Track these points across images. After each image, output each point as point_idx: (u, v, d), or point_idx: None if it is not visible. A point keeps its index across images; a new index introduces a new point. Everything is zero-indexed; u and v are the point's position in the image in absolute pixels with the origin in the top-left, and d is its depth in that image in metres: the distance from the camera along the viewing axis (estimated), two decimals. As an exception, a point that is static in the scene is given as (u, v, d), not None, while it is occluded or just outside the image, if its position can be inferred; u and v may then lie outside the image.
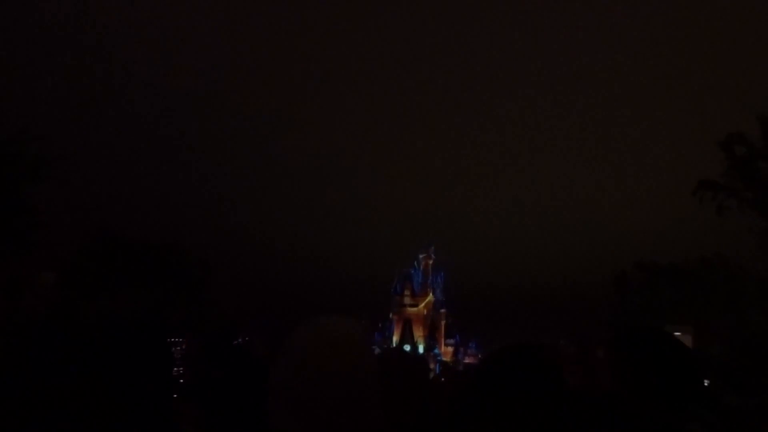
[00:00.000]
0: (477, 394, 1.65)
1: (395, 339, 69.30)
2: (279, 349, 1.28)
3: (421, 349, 58.30)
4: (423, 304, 69.13)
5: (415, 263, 71.33)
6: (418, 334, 68.10)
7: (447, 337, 67.32)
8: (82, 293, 21.47)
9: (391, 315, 70.63)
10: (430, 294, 69.69)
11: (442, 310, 67.95)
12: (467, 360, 56.64)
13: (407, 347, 65.76)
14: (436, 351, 63.23)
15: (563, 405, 1.54)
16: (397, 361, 1.84)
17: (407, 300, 69.88)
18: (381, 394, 1.26)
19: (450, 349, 64.58)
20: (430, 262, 70.51)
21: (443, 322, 66.93)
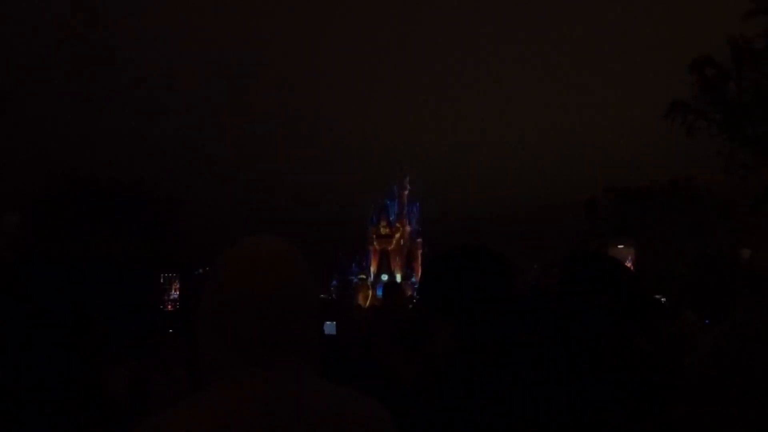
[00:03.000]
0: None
1: (373, 270, 70.47)
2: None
3: (398, 278, 59.36)
4: (399, 235, 69.94)
5: (391, 194, 71.57)
6: (395, 264, 69.26)
7: (423, 266, 68.47)
8: (49, 235, 21.17)
9: (368, 246, 71.48)
10: (407, 224, 70.41)
11: (419, 240, 68.82)
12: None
13: (385, 277, 66.98)
14: (414, 280, 64.57)
15: (511, 304, 1.59)
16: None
17: (383, 231, 70.59)
18: (317, 313, 1.21)
19: (427, 277, 66.02)
20: (405, 192, 70.78)
21: (420, 252, 67.99)
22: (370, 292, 61.63)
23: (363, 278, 66.37)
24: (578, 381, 1.47)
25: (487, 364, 1.50)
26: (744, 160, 13.64)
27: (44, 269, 1.53)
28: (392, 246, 70.07)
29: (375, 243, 70.87)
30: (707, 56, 13.83)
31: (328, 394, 1.13)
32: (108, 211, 24.89)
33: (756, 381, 1.36)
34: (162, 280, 30.22)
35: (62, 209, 24.01)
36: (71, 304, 1.48)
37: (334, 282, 67.83)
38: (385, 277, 66.43)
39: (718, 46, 13.51)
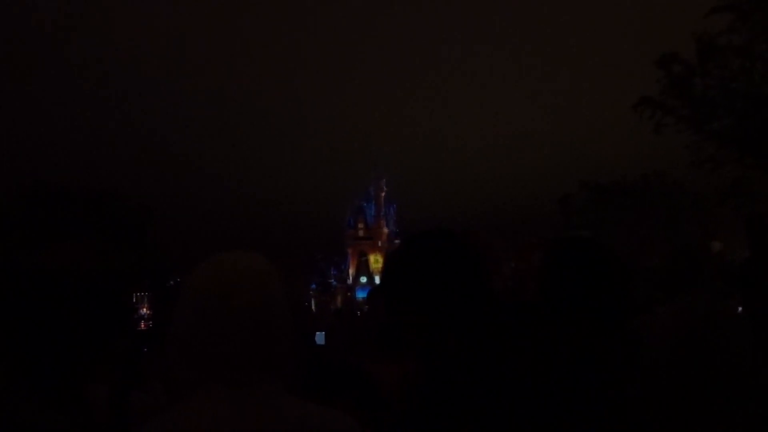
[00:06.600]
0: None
1: (351, 272, 70.32)
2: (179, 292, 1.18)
3: (377, 281, 59.39)
4: (377, 237, 69.98)
5: (367, 196, 71.62)
6: (374, 266, 69.22)
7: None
8: (16, 244, 20.71)
9: (346, 249, 71.37)
10: (384, 226, 70.46)
11: (396, 241, 69.01)
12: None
13: (363, 279, 66.90)
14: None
15: (483, 294, 1.38)
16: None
17: (361, 233, 70.59)
18: (292, 331, 1.17)
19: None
20: (382, 194, 70.89)
21: (398, 253, 68.01)
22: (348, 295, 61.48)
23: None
24: (569, 381, 1.31)
25: (465, 369, 1.34)
26: (711, 153, 13.91)
27: (10, 279, 1.47)
28: (370, 248, 70.13)
29: (353, 245, 70.88)
30: (674, 53, 14.07)
31: (295, 412, 1.11)
32: (78, 220, 24.42)
33: (717, 369, 1.36)
34: (134, 299, 29.98)
35: (29, 217, 23.47)
36: (37, 315, 1.43)
37: (313, 285, 67.61)
38: (364, 280, 66.37)
39: (686, 43, 13.79)
